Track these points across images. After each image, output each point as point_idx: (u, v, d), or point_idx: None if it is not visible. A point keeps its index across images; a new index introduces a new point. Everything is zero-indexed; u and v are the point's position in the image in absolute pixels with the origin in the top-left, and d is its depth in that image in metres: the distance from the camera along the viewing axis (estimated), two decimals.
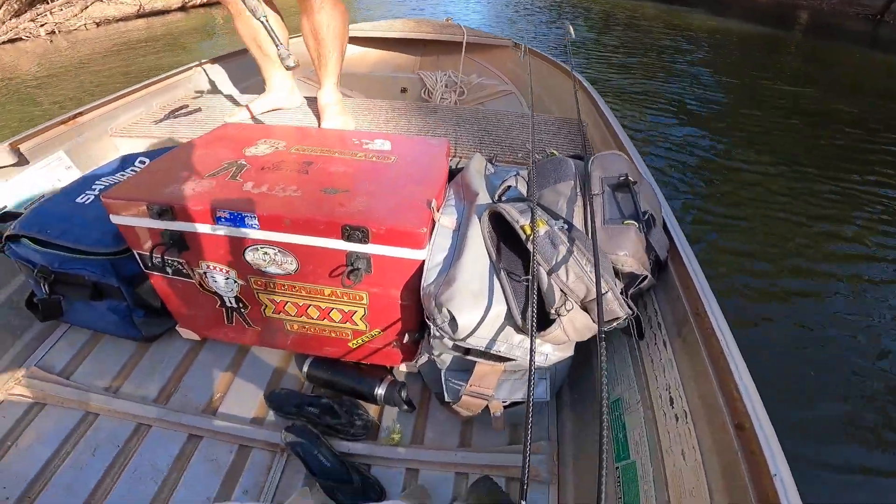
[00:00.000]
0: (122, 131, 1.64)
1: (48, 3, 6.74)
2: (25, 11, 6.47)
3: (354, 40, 2.93)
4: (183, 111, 1.77)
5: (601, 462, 0.49)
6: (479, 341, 0.83)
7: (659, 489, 0.78)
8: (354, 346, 1.13)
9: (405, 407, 1.14)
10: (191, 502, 1.00)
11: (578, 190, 1.03)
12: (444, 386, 0.98)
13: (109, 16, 7.26)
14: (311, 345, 1.17)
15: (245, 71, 2.33)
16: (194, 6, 8.29)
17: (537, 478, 1.03)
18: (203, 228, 0.96)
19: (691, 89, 4.76)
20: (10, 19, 6.27)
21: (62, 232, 1.10)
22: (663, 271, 0.99)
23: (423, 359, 0.95)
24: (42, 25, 6.57)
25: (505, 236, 0.95)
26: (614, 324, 0.85)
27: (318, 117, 1.69)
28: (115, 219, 0.99)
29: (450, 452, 1.09)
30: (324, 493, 1.02)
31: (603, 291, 0.78)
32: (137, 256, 1.06)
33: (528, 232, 0.86)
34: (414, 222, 0.90)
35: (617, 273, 0.91)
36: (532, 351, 0.65)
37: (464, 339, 0.83)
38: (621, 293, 0.86)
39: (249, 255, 0.98)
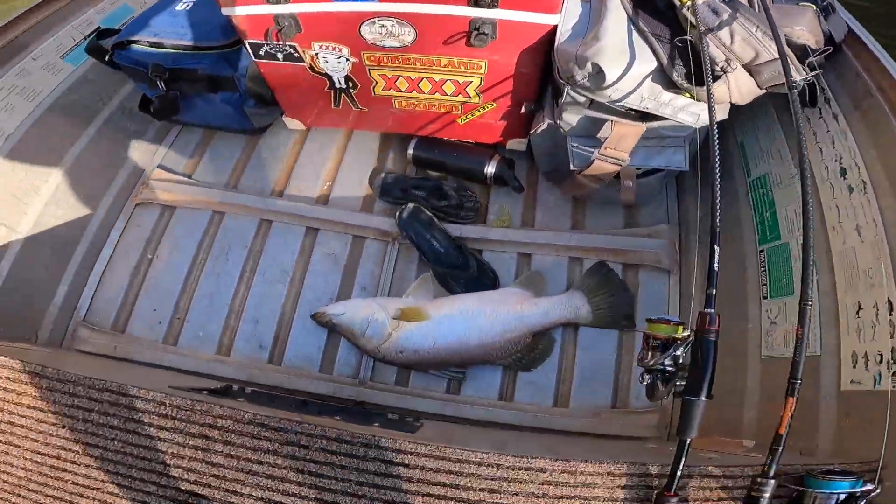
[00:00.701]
0: None
1: None
2: None
3: None
4: None
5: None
6: (623, 95, 0.80)
7: (822, 271, 0.74)
8: (463, 122, 1.11)
9: (516, 184, 1.11)
10: (317, 301, 1.07)
11: None
12: (570, 152, 0.94)
13: None
14: (417, 123, 1.16)
15: None
16: None
17: (659, 264, 1.02)
18: (318, 7, 0.93)
19: None
20: None
21: (171, 32, 1.10)
22: (837, 53, 0.89)
23: (543, 126, 0.92)
24: None
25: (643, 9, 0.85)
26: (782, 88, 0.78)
27: None
28: (226, 10, 0.97)
29: (563, 234, 1.09)
30: (437, 281, 1.05)
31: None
32: (248, 46, 1.04)
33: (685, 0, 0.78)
34: None
35: (790, 45, 0.82)
36: (709, 90, 0.60)
37: (608, 89, 0.79)
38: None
39: (365, 30, 0.94)
